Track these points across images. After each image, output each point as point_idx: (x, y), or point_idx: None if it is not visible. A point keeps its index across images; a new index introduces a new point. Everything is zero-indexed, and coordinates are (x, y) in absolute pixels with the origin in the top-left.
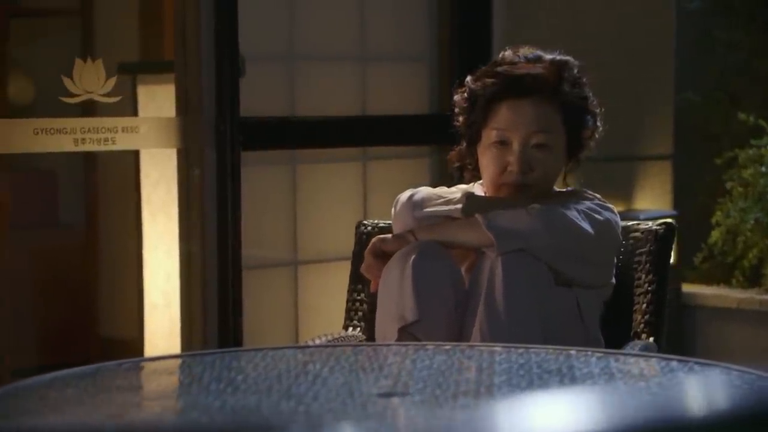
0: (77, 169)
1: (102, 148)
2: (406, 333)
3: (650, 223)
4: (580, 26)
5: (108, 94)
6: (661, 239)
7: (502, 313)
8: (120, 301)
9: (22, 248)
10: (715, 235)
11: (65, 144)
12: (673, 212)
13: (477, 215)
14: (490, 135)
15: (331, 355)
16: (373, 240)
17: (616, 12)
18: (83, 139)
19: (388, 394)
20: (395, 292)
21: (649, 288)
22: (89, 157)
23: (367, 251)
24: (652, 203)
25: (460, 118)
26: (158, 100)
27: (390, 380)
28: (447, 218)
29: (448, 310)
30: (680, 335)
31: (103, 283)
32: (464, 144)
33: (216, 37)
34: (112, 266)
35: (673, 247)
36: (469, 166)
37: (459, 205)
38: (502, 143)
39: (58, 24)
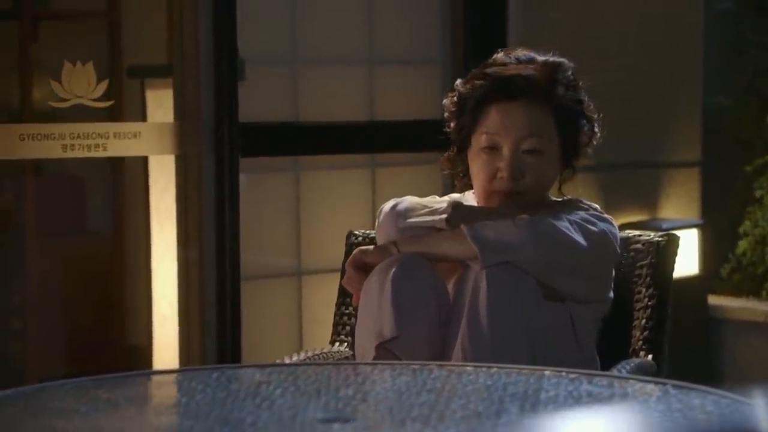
0: (98, 174)
1: (92, 154)
2: (385, 350)
3: (652, 234)
4: (601, 28)
5: (99, 99)
6: (663, 251)
7: (485, 329)
8: (143, 310)
9: (45, 255)
10: (743, 245)
11: (53, 150)
12: (698, 221)
13: (462, 226)
14: (479, 140)
15: (291, 374)
16: (354, 252)
17: (639, 12)
18: (72, 145)
19: (331, 420)
20: (374, 307)
21: (650, 303)
22: (114, 162)
23: (348, 263)
24: (678, 212)
25: (451, 124)
26: (165, 106)
27: (341, 403)
28: (432, 229)
29: (430, 327)
30: (706, 349)
31: (127, 292)
32: (454, 150)
33: (214, 41)
34: (134, 274)
35: (695, 257)
36: (460, 174)
37: (444, 216)
38: (492, 149)
39: (78, 28)
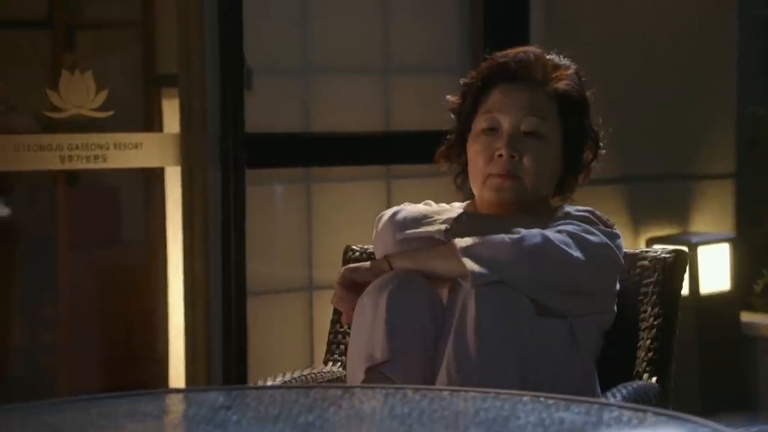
0: (130, 184)
1: (91, 165)
2: (377, 373)
3: (659, 251)
4: (627, 35)
5: (99, 109)
6: (670, 269)
7: (471, 351)
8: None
9: (76, 267)
10: None
11: (50, 161)
12: (731, 235)
13: (455, 242)
14: (479, 122)
15: (256, 399)
16: (343, 270)
17: (669, 19)
18: (70, 157)
19: None
20: (367, 328)
21: (655, 322)
22: (147, 173)
23: (337, 282)
24: (711, 226)
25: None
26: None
27: (297, 430)
28: (431, 240)
29: (425, 349)
30: (739, 368)
31: (156, 304)
32: (452, 142)
33: (220, 49)
34: (161, 286)
35: (733, 273)
36: (457, 172)
37: (444, 227)
38: (492, 130)
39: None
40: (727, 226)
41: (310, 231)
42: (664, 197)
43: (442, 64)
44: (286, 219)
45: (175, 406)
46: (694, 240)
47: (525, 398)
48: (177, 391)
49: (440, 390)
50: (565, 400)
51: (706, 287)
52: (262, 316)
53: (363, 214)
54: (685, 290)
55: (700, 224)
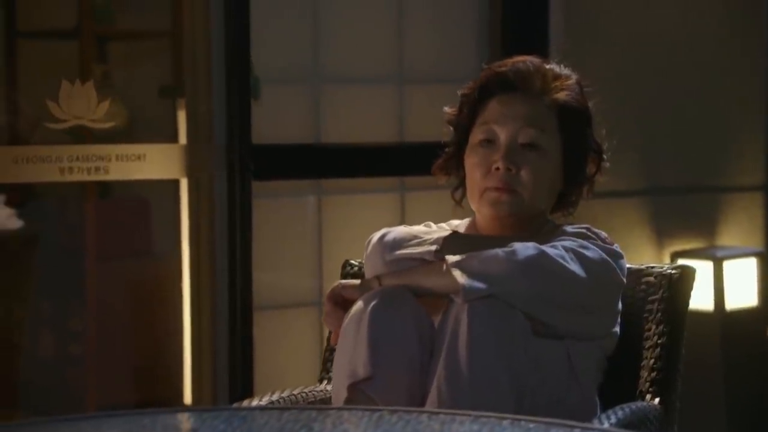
0: (160, 196)
1: (93, 177)
2: (358, 391)
3: (665, 267)
4: (649, 42)
5: (100, 120)
6: (676, 285)
7: (463, 369)
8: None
9: (104, 279)
10: None
11: (50, 173)
12: (759, 249)
13: (447, 257)
14: (476, 134)
15: (226, 421)
16: (334, 285)
17: (692, 23)
18: (71, 168)
19: None
20: (350, 344)
21: (659, 341)
22: (177, 184)
23: (327, 297)
24: (739, 239)
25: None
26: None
27: None
28: (421, 261)
29: (410, 366)
30: (767, 386)
31: (174, 317)
32: (450, 154)
33: (227, 58)
34: (176, 299)
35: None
36: (455, 186)
37: (434, 247)
38: (489, 141)
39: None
40: (756, 240)
41: (320, 245)
42: (689, 210)
43: (458, 72)
44: (295, 232)
45: (139, 428)
46: (719, 254)
47: (505, 422)
48: (144, 413)
49: (419, 412)
50: (545, 423)
51: (732, 303)
52: (271, 330)
53: (376, 227)
54: (710, 306)
55: (727, 238)
